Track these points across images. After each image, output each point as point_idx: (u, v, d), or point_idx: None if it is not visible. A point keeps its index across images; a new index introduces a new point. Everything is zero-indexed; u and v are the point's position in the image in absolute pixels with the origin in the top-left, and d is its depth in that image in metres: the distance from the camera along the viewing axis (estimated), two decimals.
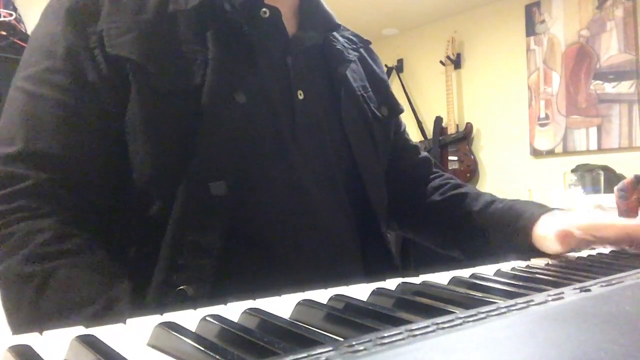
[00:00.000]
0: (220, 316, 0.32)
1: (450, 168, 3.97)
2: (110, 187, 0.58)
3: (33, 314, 0.48)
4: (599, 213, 0.68)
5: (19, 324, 0.49)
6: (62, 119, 0.56)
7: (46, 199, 0.53)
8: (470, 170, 3.95)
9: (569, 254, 0.64)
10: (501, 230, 0.72)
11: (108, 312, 0.47)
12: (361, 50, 0.80)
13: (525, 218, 0.69)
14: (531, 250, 0.66)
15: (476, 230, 0.76)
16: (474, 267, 0.51)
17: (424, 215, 0.83)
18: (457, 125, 4.02)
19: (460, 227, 0.78)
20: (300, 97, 0.66)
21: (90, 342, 0.27)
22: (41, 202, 0.53)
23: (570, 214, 0.68)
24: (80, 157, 0.56)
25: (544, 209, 0.69)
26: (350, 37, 0.79)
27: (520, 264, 0.57)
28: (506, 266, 0.54)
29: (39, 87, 0.57)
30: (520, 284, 0.43)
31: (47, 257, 0.49)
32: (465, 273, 0.49)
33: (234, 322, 0.32)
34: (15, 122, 0.56)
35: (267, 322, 0.32)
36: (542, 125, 3.62)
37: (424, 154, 0.90)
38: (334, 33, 0.75)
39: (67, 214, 0.54)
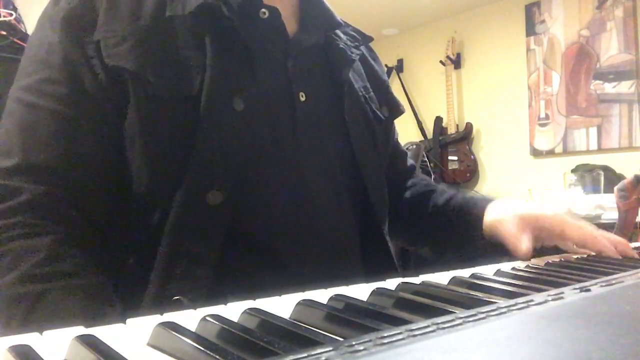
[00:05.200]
0: (220, 316, 0.32)
1: (450, 168, 3.97)
2: (108, 197, 0.57)
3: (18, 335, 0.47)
4: (551, 206, 0.72)
5: None
6: (60, 129, 0.55)
7: (44, 214, 0.52)
8: (470, 170, 3.95)
9: (568, 254, 0.63)
10: (460, 220, 0.75)
11: None
12: (362, 48, 0.79)
13: (479, 207, 0.73)
14: (482, 241, 0.70)
15: (440, 223, 0.78)
16: (474, 267, 0.51)
17: (396, 214, 0.84)
18: (457, 125, 4.02)
19: (426, 222, 0.81)
20: (302, 98, 0.65)
21: (90, 342, 0.27)
22: (38, 218, 0.52)
23: (515, 203, 0.71)
24: (79, 168, 0.55)
25: (495, 200, 0.73)
26: (352, 33, 0.79)
27: (520, 264, 0.57)
28: (506, 266, 0.54)
29: (36, 97, 0.56)
30: (520, 284, 0.43)
31: (39, 278, 0.48)
32: (465, 273, 0.49)
33: (234, 322, 0.32)
34: (12, 133, 0.55)
35: (267, 322, 0.32)
36: (542, 125, 3.62)
37: (410, 161, 0.92)
38: (336, 30, 0.75)
39: (64, 229, 0.52)
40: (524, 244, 0.63)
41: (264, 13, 0.64)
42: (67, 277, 0.49)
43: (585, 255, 0.62)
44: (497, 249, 0.69)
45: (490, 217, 0.70)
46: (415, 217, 0.83)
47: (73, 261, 0.50)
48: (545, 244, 0.68)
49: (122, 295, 0.52)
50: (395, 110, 0.82)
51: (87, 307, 0.48)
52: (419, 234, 0.85)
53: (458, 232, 0.74)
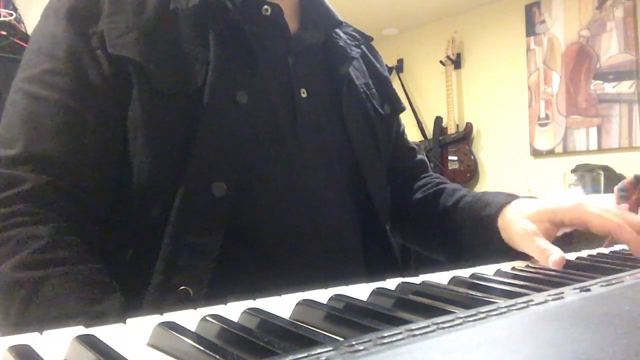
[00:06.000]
0: (220, 316, 0.32)
1: (450, 168, 3.97)
2: (110, 189, 0.57)
3: (19, 323, 0.47)
4: (567, 197, 0.62)
5: (5, 331, 0.48)
6: (63, 120, 0.55)
7: (45, 203, 0.52)
8: (470, 170, 3.95)
9: (568, 254, 0.63)
10: (471, 222, 0.71)
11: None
12: (363, 47, 0.79)
13: (491, 207, 0.68)
14: (502, 247, 0.65)
15: (451, 225, 0.75)
16: (474, 267, 0.51)
17: (407, 215, 0.82)
18: (457, 125, 4.02)
19: (437, 224, 0.77)
20: (304, 95, 0.66)
21: (90, 342, 0.27)
22: (40, 207, 0.52)
23: (530, 201, 0.65)
24: (81, 159, 0.55)
25: (510, 198, 0.68)
26: (352, 33, 0.79)
27: (520, 264, 0.57)
28: (506, 266, 0.54)
29: (40, 88, 0.56)
30: (520, 283, 0.43)
31: (39, 265, 0.48)
32: (465, 273, 0.49)
33: (234, 322, 0.32)
34: (15, 124, 0.56)
35: (267, 322, 0.32)
36: (542, 125, 3.62)
37: (420, 156, 0.89)
38: (336, 29, 0.75)
39: (65, 219, 0.53)
40: (553, 256, 0.55)
41: (267, 10, 0.65)
42: (67, 264, 0.49)
43: (585, 255, 0.62)
44: (516, 252, 0.64)
45: (509, 228, 0.64)
46: (425, 220, 0.80)
47: (73, 249, 0.51)
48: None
49: (122, 287, 0.52)
50: (397, 107, 0.82)
51: (87, 293, 0.49)
52: (431, 237, 0.81)
53: (471, 237, 0.71)
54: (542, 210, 0.62)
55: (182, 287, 0.53)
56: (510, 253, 0.64)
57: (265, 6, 0.65)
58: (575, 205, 0.61)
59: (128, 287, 0.53)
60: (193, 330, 0.31)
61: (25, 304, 0.47)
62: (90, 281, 0.50)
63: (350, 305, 0.36)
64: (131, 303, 0.51)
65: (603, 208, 0.59)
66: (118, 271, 0.54)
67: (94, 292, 0.49)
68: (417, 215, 0.81)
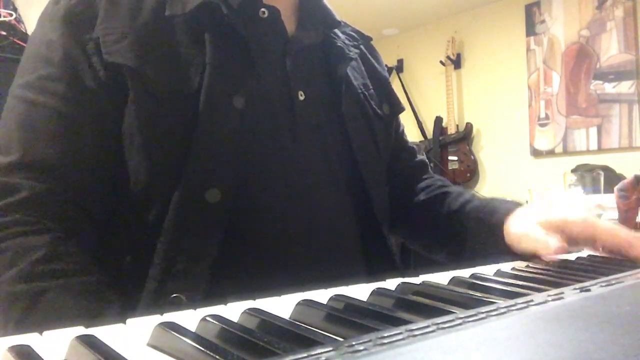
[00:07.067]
0: (220, 316, 0.32)
1: (450, 168, 3.97)
2: (107, 195, 0.57)
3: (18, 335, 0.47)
4: (577, 210, 0.63)
5: None
6: (60, 127, 0.55)
7: (43, 212, 0.52)
8: (470, 170, 3.95)
9: (568, 254, 0.63)
10: (476, 228, 0.70)
11: None
12: (362, 47, 0.79)
13: (499, 214, 0.68)
14: (506, 251, 0.64)
15: (454, 229, 0.74)
16: (474, 267, 0.51)
17: (410, 216, 0.82)
18: (457, 125, 4.02)
19: (441, 227, 0.77)
20: (301, 98, 0.66)
21: (90, 342, 0.27)
22: (37, 216, 0.52)
23: (540, 209, 0.65)
24: (78, 165, 0.55)
25: (518, 205, 0.68)
26: (351, 33, 0.79)
27: (520, 264, 0.57)
28: (506, 266, 0.54)
29: (36, 95, 0.56)
30: (520, 284, 0.43)
31: (38, 277, 0.48)
32: (465, 273, 0.49)
33: (234, 322, 0.32)
34: (12, 130, 0.55)
35: (267, 322, 0.32)
36: (542, 125, 3.62)
37: (420, 157, 0.89)
38: (335, 30, 0.75)
39: (63, 227, 0.52)
40: (553, 243, 0.56)
41: (264, 12, 0.65)
42: (65, 275, 0.49)
43: (585, 255, 0.62)
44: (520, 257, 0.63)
45: (513, 229, 0.64)
46: (429, 222, 0.79)
47: (72, 260, 0.50)
48: (572, 250, 0.62)
49: (120, 293, 0.52)
50: (396, 107, 0.81)
51: (85, 305, 0.48)
52: (434, 239, 0.81)
53: (476, 240, 0.70)
54: (552, 219, 0.62)
55: (175, 295, 0.53)
56: (514, 258, 0.63)
57: (262, 9, 0.65)
58: (585, 218, 0.61)
59: (124, 294, 0.53)
60: (193, 330, 0.31)
61: (23, 317, 0.46)
62: (89, 293, 0.49)
63: (350, 305, 0.36)
64: (127, 310, 0.51)
65: (613, 226, 0.59)
66: (116, 277, 0.54)
67: (92, 304, 0.48)
68: (420, 217, 0.81)
